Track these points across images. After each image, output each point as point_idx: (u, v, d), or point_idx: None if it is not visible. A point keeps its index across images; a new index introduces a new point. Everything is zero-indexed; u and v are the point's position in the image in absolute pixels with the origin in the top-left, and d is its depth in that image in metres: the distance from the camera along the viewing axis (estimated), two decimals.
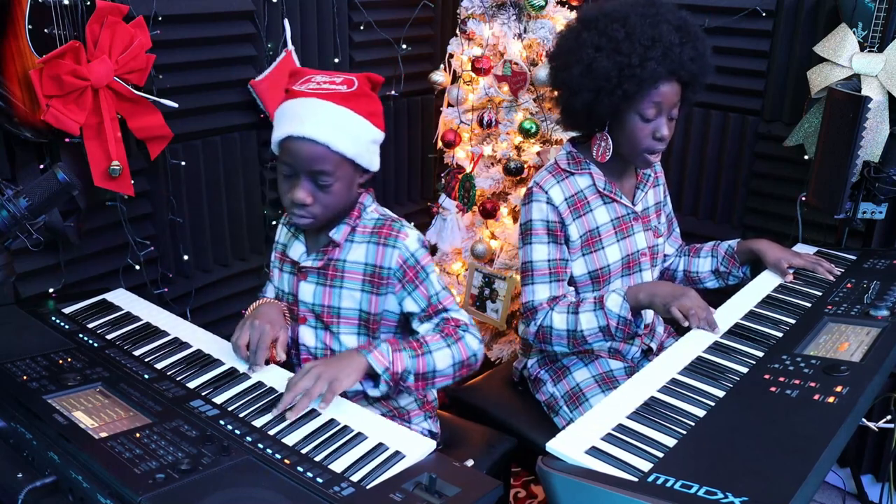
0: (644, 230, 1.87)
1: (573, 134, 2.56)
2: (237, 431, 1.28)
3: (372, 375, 1.47)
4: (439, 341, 1.54)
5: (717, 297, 1.87)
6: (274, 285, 1.73)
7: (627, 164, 1.84)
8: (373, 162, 1.56)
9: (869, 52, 2.06)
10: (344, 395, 1.43)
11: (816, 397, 1.31)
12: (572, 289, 1.81)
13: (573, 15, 2.56)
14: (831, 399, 1.30)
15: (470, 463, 1.25)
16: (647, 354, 1.94)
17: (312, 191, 1.49)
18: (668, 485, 1.10)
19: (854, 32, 2.07)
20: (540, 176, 1.80)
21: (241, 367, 1.51)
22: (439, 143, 2.69)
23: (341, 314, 1.61)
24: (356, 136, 1.49)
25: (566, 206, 1.76)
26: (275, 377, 1.48)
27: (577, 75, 1.67)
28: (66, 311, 1.73)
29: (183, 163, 2.23)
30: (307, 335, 1.65)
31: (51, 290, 1.98)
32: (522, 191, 2.60)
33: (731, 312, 1.71)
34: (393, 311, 1.61)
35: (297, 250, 1.64)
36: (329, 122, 1.46)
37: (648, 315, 1.85)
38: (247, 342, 1.51)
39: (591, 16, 1.69)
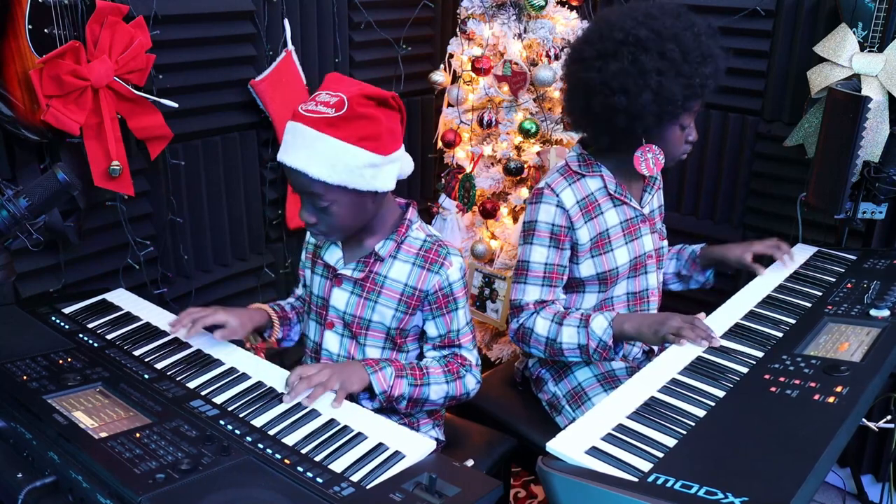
0: (651, 232, 1.87)
1: (574, 135, 2.57)
2: (237, 431, 1.28)
3: (369, 388, 1.50)
4: (440, 375, 1.58)
5: (716, 298, 1.87)
6: (304, 285, 1.74)
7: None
8: (377, 185, 1.47)
9: (869, 52, 2.06)
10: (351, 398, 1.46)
11: (816, 397, 1.31)
12: (563, 297, 1.81)
13: (573, 15, 2.56)
14: (831, 399, 1.30)
15: (470, 463, 1.25)
16: (649, 356, 1.94)
17: (314, 212, 1.49)
18: (668, 485, 1.10)
19: (854, 32, 2.07)
20: (551, 177, 1.79)
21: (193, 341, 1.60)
22: (439, 143, 2.69)
23: (371, 326, 1.60)
24: (340, 164, 1.42)
25: (577, 210, 1.75)
26: (275, 377, 1.48)
27: (647, 102, 1.61)
28: (66, 311, 1.73)
29: (183, 163, 2.23)
30: (332, 341, 1.65)
31: (51, 290, 1.98)
32: (523, 191, 2.60)
33: (731, 312, 1.71)
34: (419, 325, 1.63)
35: (334, 255, 1.62)
36: (308, 149, 1.42)
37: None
38: (195, 311, 1.60)
39: (643, 35, 1.61)
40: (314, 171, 1.42)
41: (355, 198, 1.48)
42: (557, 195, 1.74)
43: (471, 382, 1.62)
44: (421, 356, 1.68)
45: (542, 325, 1.72)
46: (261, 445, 1.24)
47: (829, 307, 1.71)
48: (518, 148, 2.58)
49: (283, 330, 1.75)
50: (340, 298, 1.61)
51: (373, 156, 1.44)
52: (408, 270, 1.57)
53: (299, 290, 1.82)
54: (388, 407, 1.54)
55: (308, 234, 1.73)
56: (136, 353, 1.55)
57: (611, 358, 1.68)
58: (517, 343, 1.79)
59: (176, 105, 2.01)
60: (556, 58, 2.48)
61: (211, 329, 1.60)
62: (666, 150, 1.74)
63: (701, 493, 1.07)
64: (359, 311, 1.60)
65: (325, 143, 1.41)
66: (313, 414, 1.36)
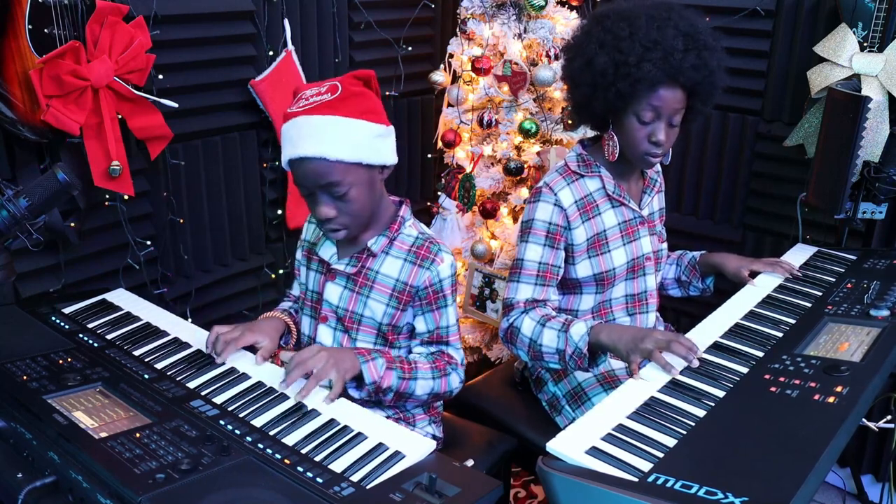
0: (649, 234, 1.86)
1: (574, 135, 2.57)
2: (237, 431, 1.28)
3: (357, 377, 1.50)
4: (427, 371, 1.59)
5: (716, 299, 1.87)
6: (300, 282, 1.74)
7: (635, 168, 1.83)
8: (385, 157, 1.53)
9: (869, 52, 2.06)
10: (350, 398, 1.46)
11: (816, 397, 1.31)
12: (556, 298, 1.79)
13: (573, 15, 2.56)
14: (831, 399, 1.30)
15: (470, 463, 1.25)
16: None
17: (333, 204, 1.50)
18: (669, 485, 1.10)
19: (854, 32, 2.07)
20: (550, 177, 1.79)
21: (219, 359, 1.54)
22: (439, 143, 2.69)
23: (363, 321, 1.62)
24: (352, 139, 1.46)
25: (575, 209, 1.75)
26: (275, 377, 1.48)
27: (577, 68, 1.69)
28: (66, 311, 1.73)
29: (183, 163, 2.23)
30: (325, 334, 1.67)
31: (51, 290, 1.98)
32: (523, 191, 2.60)
33: (731, 313, 1.71)
34: (411, 322, 1.64)
35: (328, 251, 1.65)
36: (319, 135, 1.45)
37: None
38: (224, 332, 1.56)
39: (604, 12, 1.69)
40: (332, 153, 1.44)
41: (369, 176, 1.52)
42: (555, 194, 1.74)
43: (455, 381, 1.64)
44: (410, 352, 1.69)
45: (527, 326, 1.70)
46: (261, 445, 1.24)
47: (829, 307, 1.71)
48: (518, 148, 2.58)
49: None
50: (334, 293, 1.63)
51: (377, 126, 1.51)
52: (399, 266, 1.59)
53: (295, 291, 1.83)
54: (372, 400, 1.54)
55: (304, 232, 1.75)
56: (136, 353, 1.55)
57: (585, 368, 1.64)
58: (506, 344, 1.77)
59: (176, 105, 2.01)
60: (556, 58, 2.47)
61: (251, 350, 1.60)
62: (624, 142, 1.72)
63: (701, 493, 1.07)
64: (351, 305, 1.62)
65: (333, 123, 1.46)
66: (313, 414, 1.36)
